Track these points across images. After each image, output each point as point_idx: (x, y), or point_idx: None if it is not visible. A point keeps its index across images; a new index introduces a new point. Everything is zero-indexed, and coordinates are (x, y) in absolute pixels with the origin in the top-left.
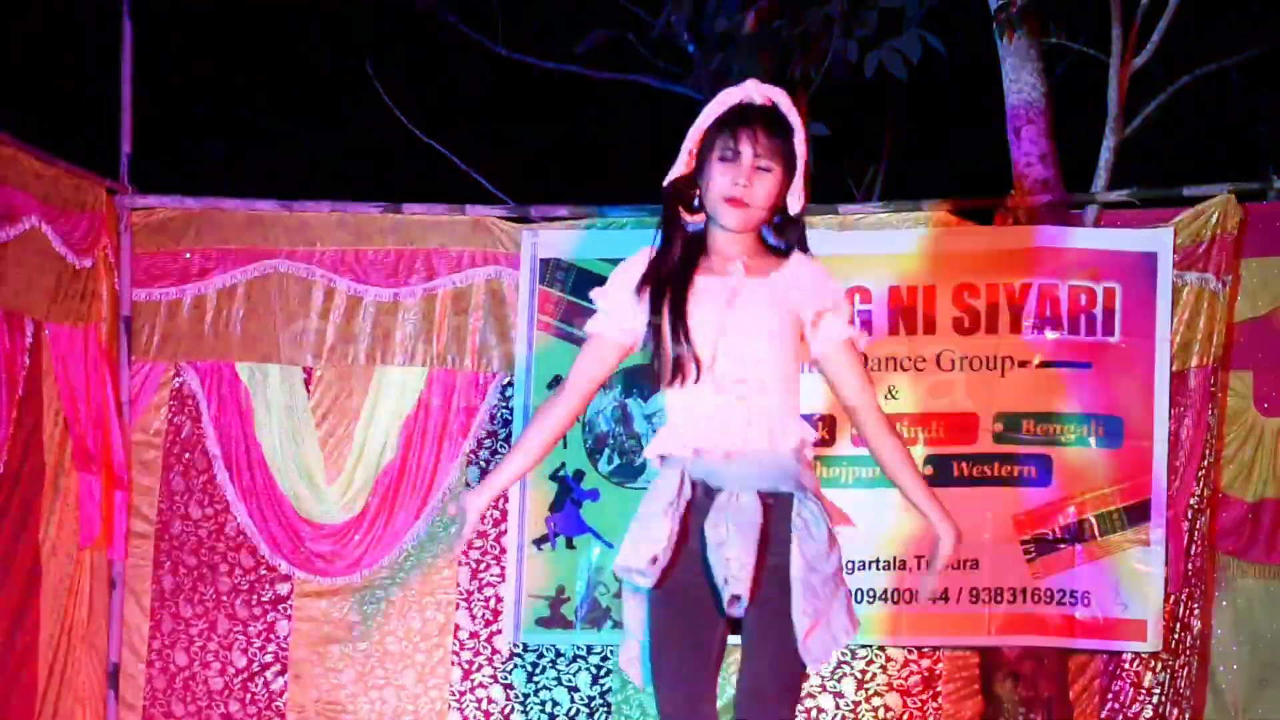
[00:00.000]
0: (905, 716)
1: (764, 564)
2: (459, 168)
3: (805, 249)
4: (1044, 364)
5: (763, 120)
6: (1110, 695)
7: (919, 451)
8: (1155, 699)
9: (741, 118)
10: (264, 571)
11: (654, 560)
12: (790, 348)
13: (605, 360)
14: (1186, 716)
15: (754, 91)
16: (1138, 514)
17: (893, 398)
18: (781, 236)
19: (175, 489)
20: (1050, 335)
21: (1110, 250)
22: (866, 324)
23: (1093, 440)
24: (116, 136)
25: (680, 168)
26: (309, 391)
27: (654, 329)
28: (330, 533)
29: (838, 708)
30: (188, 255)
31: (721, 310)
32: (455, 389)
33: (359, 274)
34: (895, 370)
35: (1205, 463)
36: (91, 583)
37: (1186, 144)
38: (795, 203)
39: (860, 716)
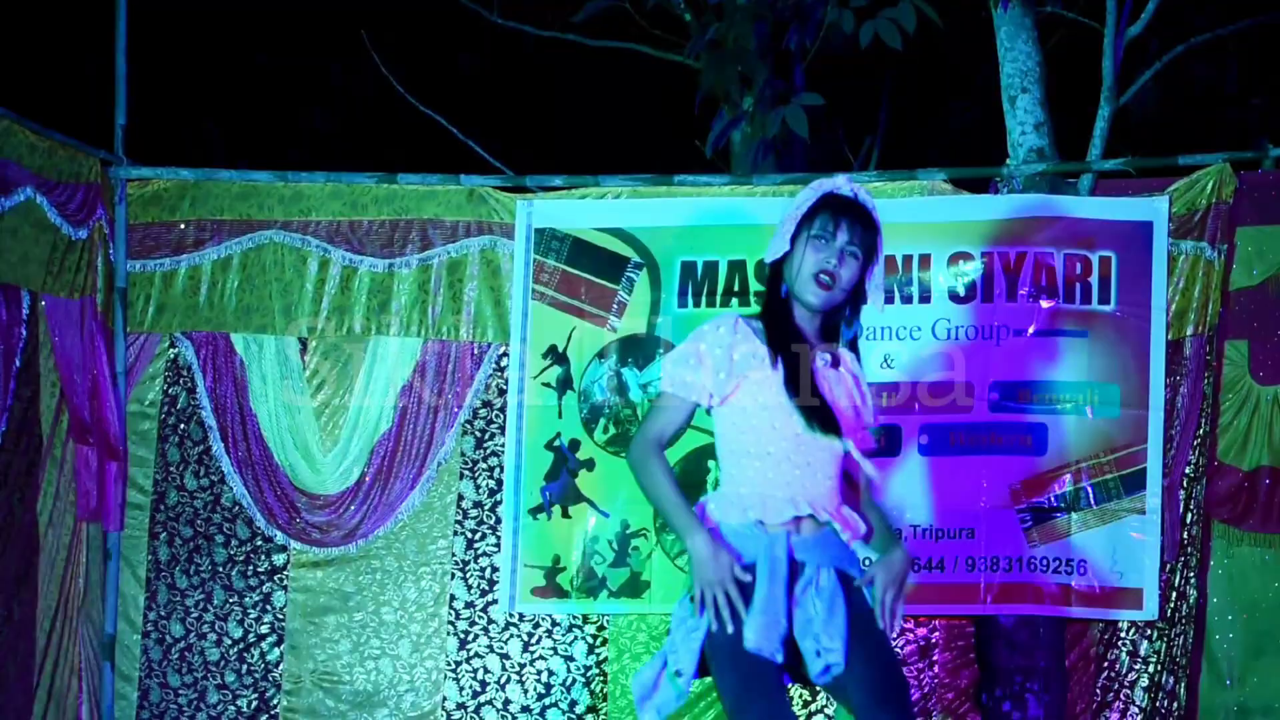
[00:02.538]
0: None
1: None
2: (455, 137)
3: (855, 347)
4: (1040, 333)
5: (853, 211)
6: (1106, 664)
7: (914, 420)
8: (1151, 667)
9: (836, 205)
10: (260, 542)
11: (783, 640)
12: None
13: (679, 422)
14: (1182, 685)
15: (844, 184)
16: (1134, 482)
17: (889, 367)
18: (849, 327)
19: (171, 460)
20: (1046, 304)
21: (1105, 219)
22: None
23: (1089, 409)
24: (111, 108)
25: (782, 247)
26: (304, 362)
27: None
28: (326, 503)
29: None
30: (183, 226)
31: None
32: (451, 359)
33: (354, 244)
34: (891, 339)
35: (1201, 431)
36: (88, 554)
37: (1182, 113)
38: (877, 296)
39: None
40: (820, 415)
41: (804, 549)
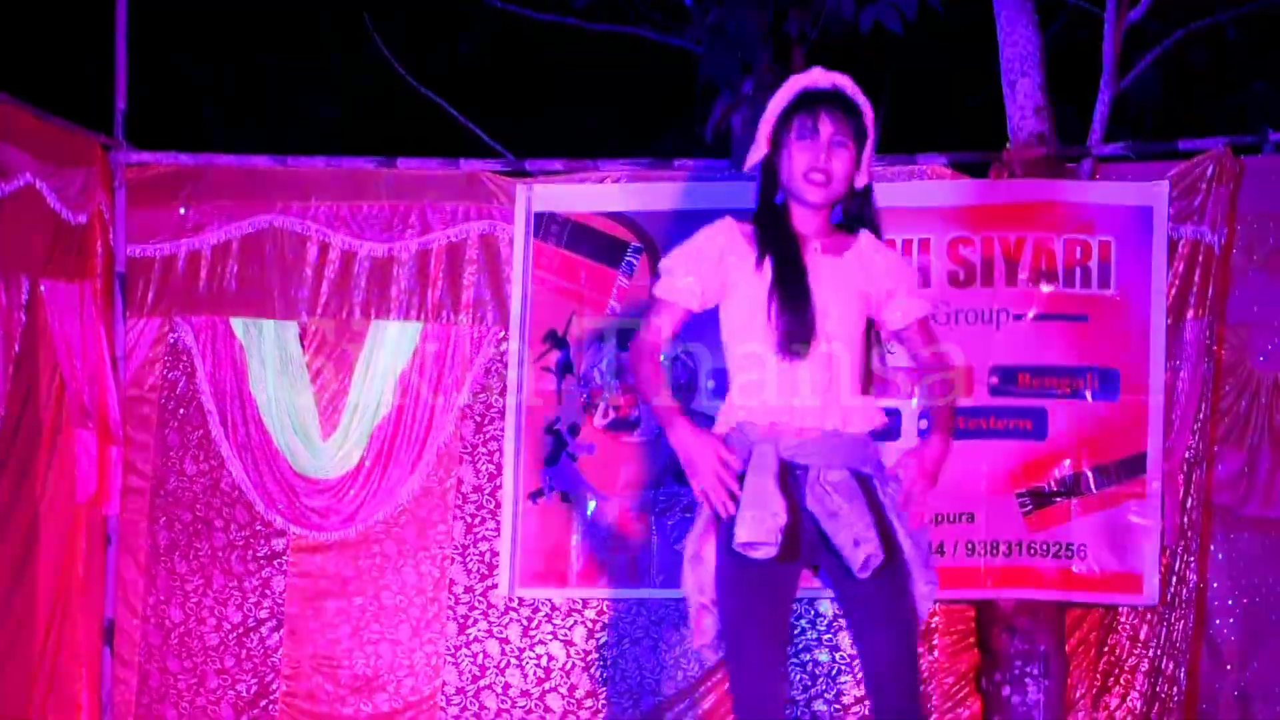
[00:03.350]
0: None
1: (878, 531)
2: (455, 121)
3: (875, 227)
4: (1039, 317)
5: (835, 101)
6: (1106, 648)
7: (915, 405)
8: (1151, 652)
9: (815, 99)
10: (259, 527)
11: (782, 530)
12: (860, 327)
13: (671, 325)
14: (1183, 670)
15: (820, 78)
16: (1134, 467)
17: (888, 351)
18: (852, 213)
19: (170, 444)
20: (1045, 288)
21: (1105, 204)
22: None
23: (1089, 393)
24: (111, 93)
25: (761, 150)
26: (304, 347)
27: (769, 299)
28: (325, 488)
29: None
30: (182, 211)
31: (821, 295)
32: (450, 343)
33: (354, 229)
34: None
35: (1201, 416)
36: (87, 538)
37: (1182, 98)
38: (861, 177)
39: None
40: (793, 331)
41: (805, 452)
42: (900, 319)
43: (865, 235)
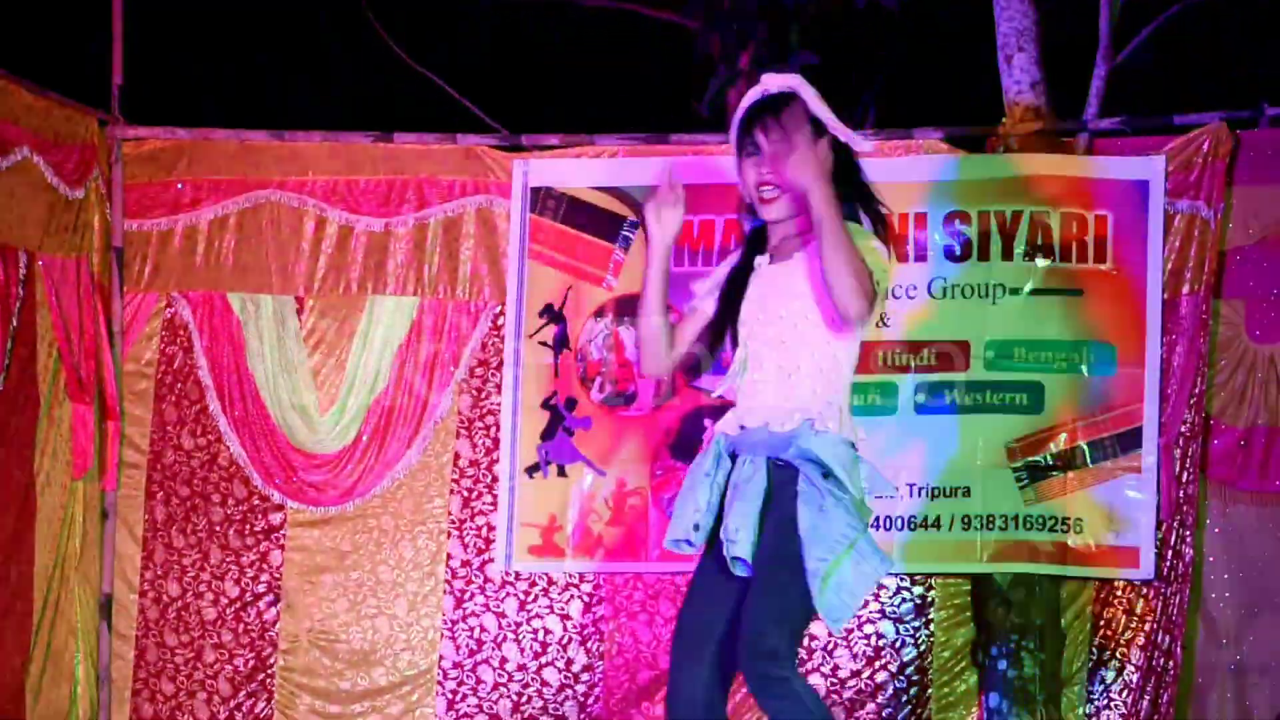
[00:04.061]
0: (897, 643)
1: (765, 525)
2: (452, 97)
3: (867, 200)
4: (1036, 291)
5: (772, 108)
6: (1102, 622)
7: (910, 379)
8: (1147, 626)
9: (754, 113)
10: (256, 501)
11: (696, 527)
12: (812, 324)
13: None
14: (1178, 644)
15: (769, 84)
16: (1130, 441)
17: (884, 325)
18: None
19: (168, 419)
20: (1042, 263)
21: (1102, 178)
22: None
23: (1084, 367)
24: (108, 68)
25: (740, 182)
26: (301, 322)
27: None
28: (323, 462)
29: (830, 635)
30: (179, 186)
31: (754, 300)
32: (447, 318)
33: (351, 203)
34: (887, 298)
35: (1197, 390)
36: (84, 513)
37: (1178, 72)
38: (850, 137)
39: (853, 644)
40: (714, 336)
41: (742, 442)
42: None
43: (853, 227)
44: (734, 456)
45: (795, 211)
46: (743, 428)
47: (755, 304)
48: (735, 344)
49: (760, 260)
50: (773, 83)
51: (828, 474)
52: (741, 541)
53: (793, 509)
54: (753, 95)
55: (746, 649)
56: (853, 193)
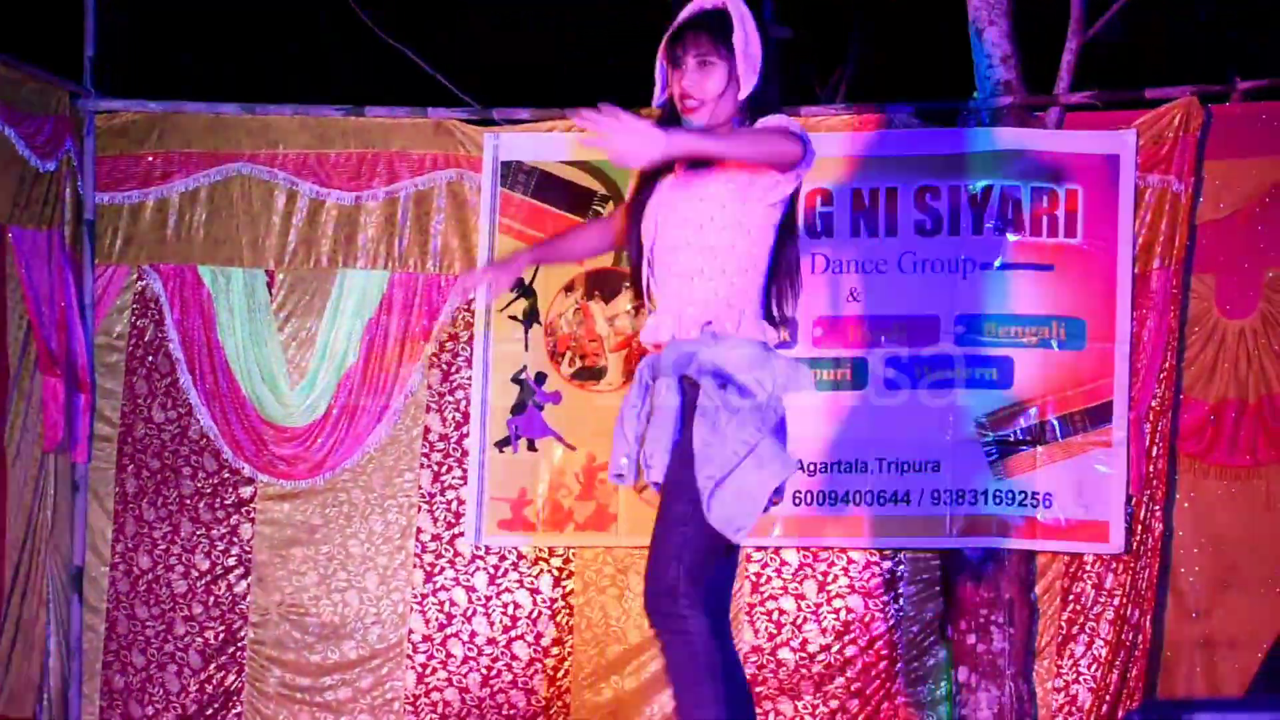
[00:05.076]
0: (867, 618)
1: (677, 443)
2: (423, 71)
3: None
4: (1006, 266)
5: (700, 23)
6: (1072, 597)
7: (880, 354)
8: (1116, 600)
9: (685, 27)
10: (227, 475)
11: (626, 459)
12: (726, 233)
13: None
14: (1148, 618)
15: (689, 7)
16: (1099, 416)
17: (854, 300)
18: (751, 124)
19: (138, 392)
20: (1012, 237)
21: (1072, 152)
22: (828, 226)
23: (1055, 342)
24: (80, 40)
25: (662, 89)
26: (271, 295)
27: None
28: (293, 436)
29: (799, 609)
30: (150, 159)
31: (655, 210)
32: (417, 292)
33: (321, 177)
34: (856, 272)
35: (1166, 365)
36: (55, 486)
37: (1150, 46)
38: (745, 87)
39: (822, 618)
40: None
41: (658, 364)
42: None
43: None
44: (655, 379)
45: (716, 121)
46: (657, 346)
47: (661, 208)
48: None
49: (668, 175)
50: (710, 1)
51: (725, 384)
52: (656, 467)
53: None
54: (689, 9)
55: (646, 584)
56: (777, 93)
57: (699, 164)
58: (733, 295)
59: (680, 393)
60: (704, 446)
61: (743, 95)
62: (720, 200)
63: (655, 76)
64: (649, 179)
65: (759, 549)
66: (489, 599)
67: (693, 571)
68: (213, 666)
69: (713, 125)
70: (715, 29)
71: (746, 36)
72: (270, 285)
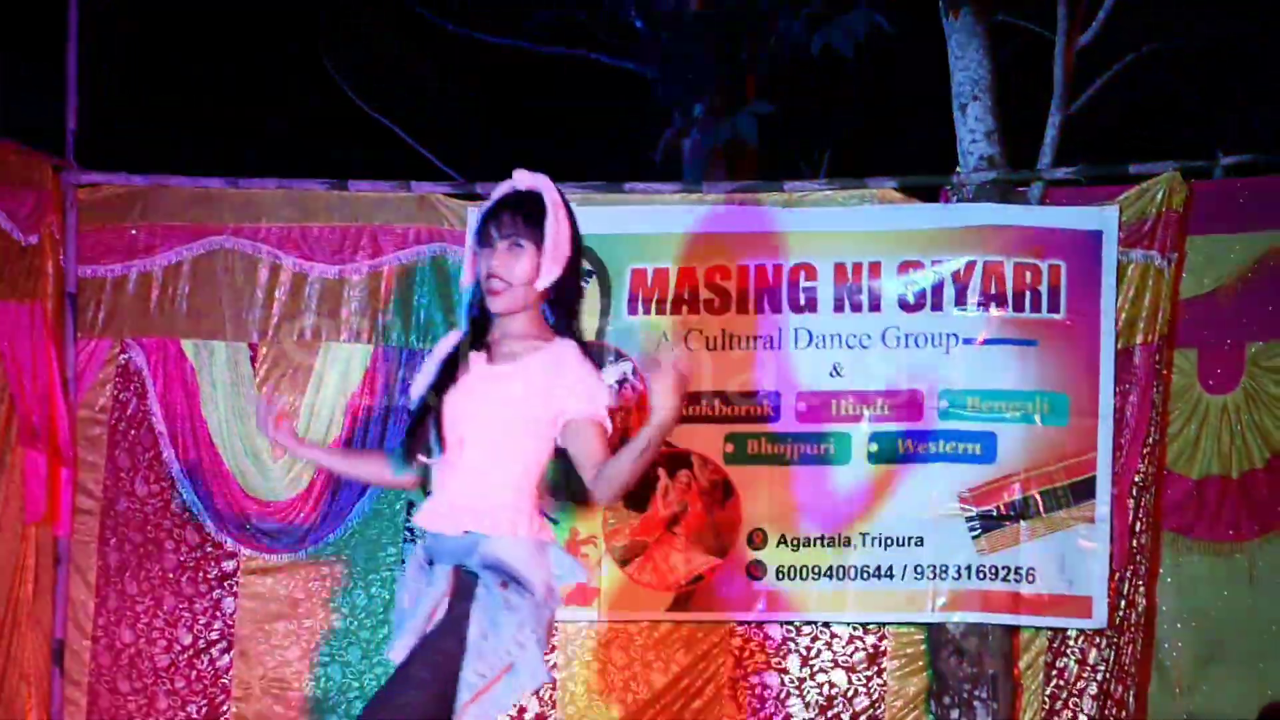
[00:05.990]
0: (850, 693)
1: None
2: (408, 145)
3: (570, 331)
4: (989, 341)
5: (514, 204)
6: (1055, 671)
7: (864, 429)
8: (1100, 675)
9: (497, 207)
10: (210, 548)
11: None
12: (518, 434)
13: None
14: (1131, 693)
15: (516, 181)
16: (1083, 491)
17: (838, 375)
18: (552, 314)
19: (121, 465)
20: (995, 312)
21: (1055, 228)
22: (811, 301)
23: (1038, 417)
24: (62, 114)
25: (470, 271)
26: (255, 368)
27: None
28: (276, 509)
29: (783, 684)
30: (134, 231)
31: (464, 394)
32: (400, 365)
33: (305, 251)
34: (840, 347)
35: (1150, 440)
36: (37, 559)
37: (1132, 122)
38: (545, 278)
39: (805, 693)
40: (415, 441)
41: (436, 549)
42: (564, 421)
43: (559, 341)
44: (432, 563)
45: (519, 307)
46: (435, 534)
47: (465, 399)
48: (440, 436)
49: (477, 357)
50: (522, 180)
51: (507, 581)
52: (398, 649)
53: (465, 609)
54: (502, 189)
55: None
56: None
57: (509, 356)
58: (520, 499)
59: (450, 582)
60: (479, 639)
61: (540, 285)
62: (519, 403)
63: (466, 253)
64: (465, 343)
65: (742, 624)
66: None
67: None
68: None
69: (512, 310)
70: (528, 213)
71: (558, 225)
72: (253, 359)
